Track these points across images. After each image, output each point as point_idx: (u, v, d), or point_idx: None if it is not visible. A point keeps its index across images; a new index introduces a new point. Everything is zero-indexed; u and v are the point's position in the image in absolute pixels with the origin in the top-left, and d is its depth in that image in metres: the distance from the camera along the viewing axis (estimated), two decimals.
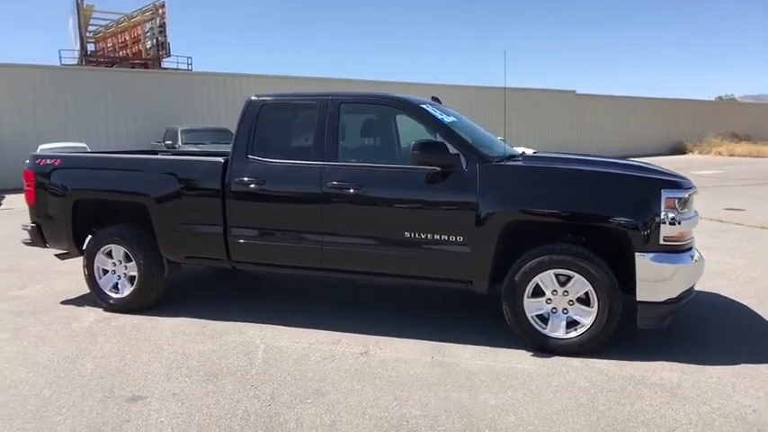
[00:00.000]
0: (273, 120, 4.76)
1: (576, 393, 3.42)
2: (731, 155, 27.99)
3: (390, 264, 4.34)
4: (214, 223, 4.70)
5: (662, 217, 3.74)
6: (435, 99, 5.34)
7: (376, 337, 4.39)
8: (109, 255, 5.12)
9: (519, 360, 3.94)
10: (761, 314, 4.82)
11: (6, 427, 3.15)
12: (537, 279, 3.97)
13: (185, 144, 15.13)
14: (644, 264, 3.75)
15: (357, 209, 4.35)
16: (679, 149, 31.42)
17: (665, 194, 3.76)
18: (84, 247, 5.31)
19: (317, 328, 4.57)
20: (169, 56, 30.52)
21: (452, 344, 4.23)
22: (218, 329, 4.62)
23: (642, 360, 3.87)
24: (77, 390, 3.58)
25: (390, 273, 4.39)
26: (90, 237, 5.33)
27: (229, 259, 4.75)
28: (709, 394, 3.39)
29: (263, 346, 4.26)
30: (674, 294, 3.82)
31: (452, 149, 4.13)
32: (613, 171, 4.07)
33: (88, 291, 5.69)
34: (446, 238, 4.12)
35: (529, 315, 4.02)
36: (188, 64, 31.38)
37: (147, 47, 31.25)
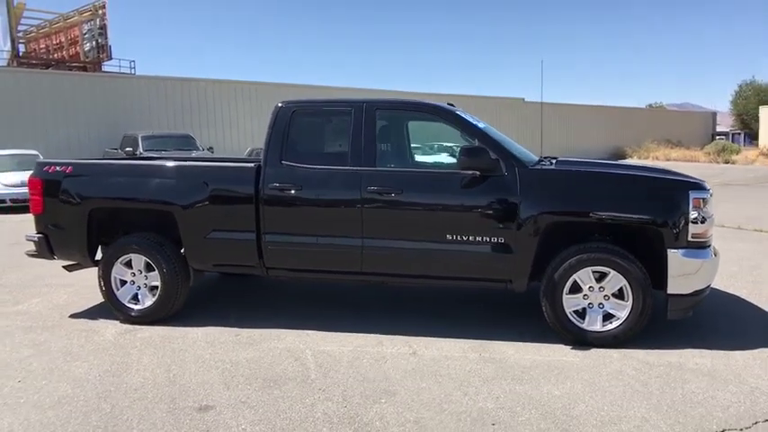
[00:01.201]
0: (306, 125, 4.79)
1: (628, 381, 3.66)
2: (667, 159, 29.91)
3: (432, 266, 4.47)
4: (247, 230, 4.67)
5: (690, 216, 4.06)
6: (450, 105, 5.51)
7: (415, 337, 4.50)
8: (128, 265, 4.97)
9: (561, 353, 4.16)
10: (755, 303, 5.28)
11: None
12: (575, 276, 4.21)
13: (147, 150, 14.66)
14: (675, 259, 4.06)
15: (398, 213, 4.46)
16: (619, 154, 33.20)
17: (693, 195, 4.09)
18: (95, 258, 5.14)
19: (354, 332, 4.63)
20: (110, 59, 29.33)
21: (492, 341, 4.39)
22: (254, 337, 4.59)
23: (672, 349, 4.17)
24: (137, 403, 3.49)
25: (432, 275, 4.52)
26: (104, 247, 5.15)
27: (263, 266, 4.73)
28: (744, 376, 3.72)
29: (308, 351, 4.28)
30: (701, 287, 4.16)
31: (492, 154, 4.32)
32: (646, 174, 4.38)
33: (94, 303, 5.55)
34: (488, 239, 4.29)
35: (567, 311, 4.25)
36: (131, 68, 30.35)
37: (86, 49, 29.90)
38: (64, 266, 5.35)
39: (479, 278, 4.46)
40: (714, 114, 44.62)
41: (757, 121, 36.33)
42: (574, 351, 4.18)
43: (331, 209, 4.59)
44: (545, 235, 4.24)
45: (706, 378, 3.69)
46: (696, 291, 4.15)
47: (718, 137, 40.42)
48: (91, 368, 4.03)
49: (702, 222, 4.10)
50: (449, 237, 4.35)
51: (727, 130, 46.92)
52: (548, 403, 3.38)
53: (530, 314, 4.81)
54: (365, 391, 3.59)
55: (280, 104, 4.84)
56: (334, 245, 4.56)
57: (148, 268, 4.92)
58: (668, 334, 4.43)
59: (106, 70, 28.94)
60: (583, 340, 4.24)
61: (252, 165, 4.75)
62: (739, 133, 43.59)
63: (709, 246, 4.23)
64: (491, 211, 4.31)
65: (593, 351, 4.17)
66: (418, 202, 4.44)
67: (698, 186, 4.20)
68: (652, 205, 4.12)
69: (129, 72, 29.15)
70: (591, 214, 4.18)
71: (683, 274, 4.09)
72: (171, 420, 3.27)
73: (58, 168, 5.03)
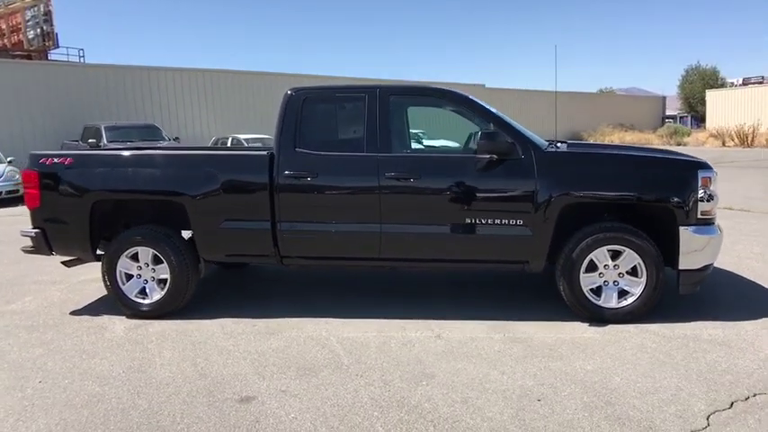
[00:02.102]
0: (318, 112, 4.74)
1: (652, 353, 3.82)
2: (622, 142, 30.91)
3: (450, 250, 4.52)
4: (261, 218, 4.60)
5: (699, 194, 4.24)
6: None
7: (435, 321, 4.54)
8: (134, 258, 4.81)
9: (581, 331, 4.29)
10: (747, 277, 5.58)
11: None
12: (591, 255, 4.34)
13: (111, 142, 14.14)
14: (687, 236, 4.24)
15: (416, 197, 4.47)
16: (576, 138, 34.11)
17: (701, 174, 4.28)
18: (96, 253, 4.95)
19: (372, 317, 4.65)
20: (57, 47, 28.04)
21: (511, 321, 4.49)
22: (271, 326, 4.54)
23: (683, 322, 4.37)
24: (173, 398, 3.41)
25: (450, 259, 4.57)
26: (104, 242, 4.97)
27: (278, 254, 4.67)
28: (757, 344, 3.94)
29: (333, 338, 4.27)
30: (709, 261, 4.36)
31: (508, 138, 4.38)
32: (658, 155, 4.54)
33: (92, 300, 5.40)
34: (506, 222, 4.37)
35: (584, 289, 4.38)
36: (80, 56, 29.06)
37: (30, 37, 28.48)
38: (63, 262, 5.14)
39: (497, 260, 4.54)
40: (664, 99, 46.45)
41: (703, 104, 38.01)
42: (593, 328, 4.32)
43: (348, 195, 4.57)
44: (561, 216, 4.34)
45: (723, 348, 3.89)
46: (705, 266, 4.35)
47: (666, 120, 42.10)
48: (112, 365, 3.91)
49: (710, 200, 4.29)
50: (467, 220, 4.41)
51: (675, 113, 48.86)
52: (584, 378, 3.50)
53: (543, 294, 4.94)
54: (403, 374, 3.62)
55: (290, 92, 4.76)
56: (352, 231, 4.55)
57: (156, 261, 4.78)
58: (676, 309, 4.62)
59: (53, 59, 27.62)
60: (600, 317, 4.38)
61: (264, 153, 4.67)
62: (686, 116, 45.54)
63: (714, 223, 4.43)
64: (509, 194, 4.39)
65: (610, 327, 4.32)
66: (436, 186, 4.47)
67: (705, 166, 4.39)
68: (665, 185, 4.28)
69: (78, 61, 27.94)
70: (608, 195, 4.31)
71: (693, 251, 4.28)
72: (215, 413, 3.21)
73: (56, 160, 4.81)
